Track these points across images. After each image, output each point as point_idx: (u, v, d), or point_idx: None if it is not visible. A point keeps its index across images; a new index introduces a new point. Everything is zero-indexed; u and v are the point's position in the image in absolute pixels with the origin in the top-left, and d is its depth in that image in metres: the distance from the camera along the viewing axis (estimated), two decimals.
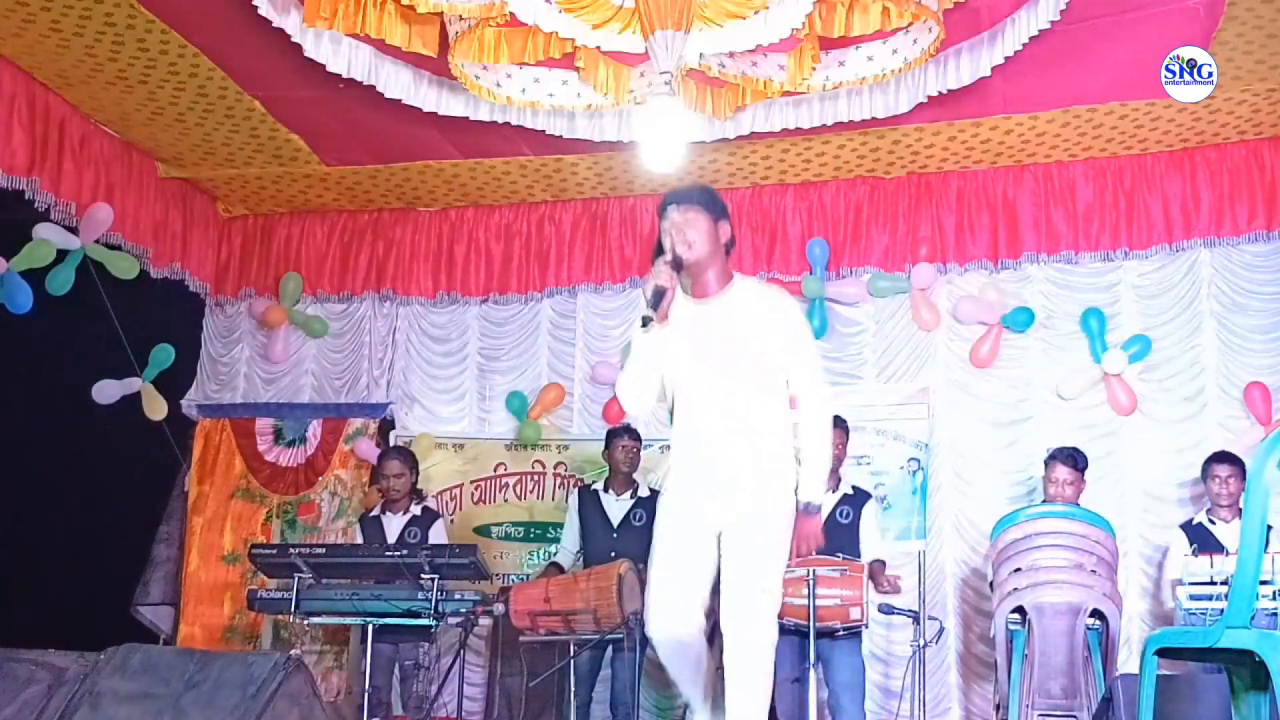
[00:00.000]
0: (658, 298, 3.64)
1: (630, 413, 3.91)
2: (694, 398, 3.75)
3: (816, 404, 3.81)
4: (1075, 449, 6.08)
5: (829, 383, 7.14)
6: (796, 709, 5.63)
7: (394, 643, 6.02)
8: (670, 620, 3.69)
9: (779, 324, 3.80)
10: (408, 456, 6.66)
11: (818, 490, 3.79)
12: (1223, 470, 5.96)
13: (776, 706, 5.76)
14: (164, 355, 7.47)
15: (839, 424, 6.08)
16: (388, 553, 5.83)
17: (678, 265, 3.71)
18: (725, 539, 3.70)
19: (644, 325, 3.64)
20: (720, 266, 3.86)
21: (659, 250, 3.80)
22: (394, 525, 6.46)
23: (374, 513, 6.62)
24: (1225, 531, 5.89)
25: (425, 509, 6.60)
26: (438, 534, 6.42)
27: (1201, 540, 5.84)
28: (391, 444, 7.48)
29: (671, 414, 3.84)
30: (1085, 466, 5.99)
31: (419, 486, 6.77)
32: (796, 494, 3.75)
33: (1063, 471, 5.90)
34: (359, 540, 6.57)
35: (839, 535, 5.85)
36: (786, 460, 3.76)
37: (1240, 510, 5.90)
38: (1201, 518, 6.06)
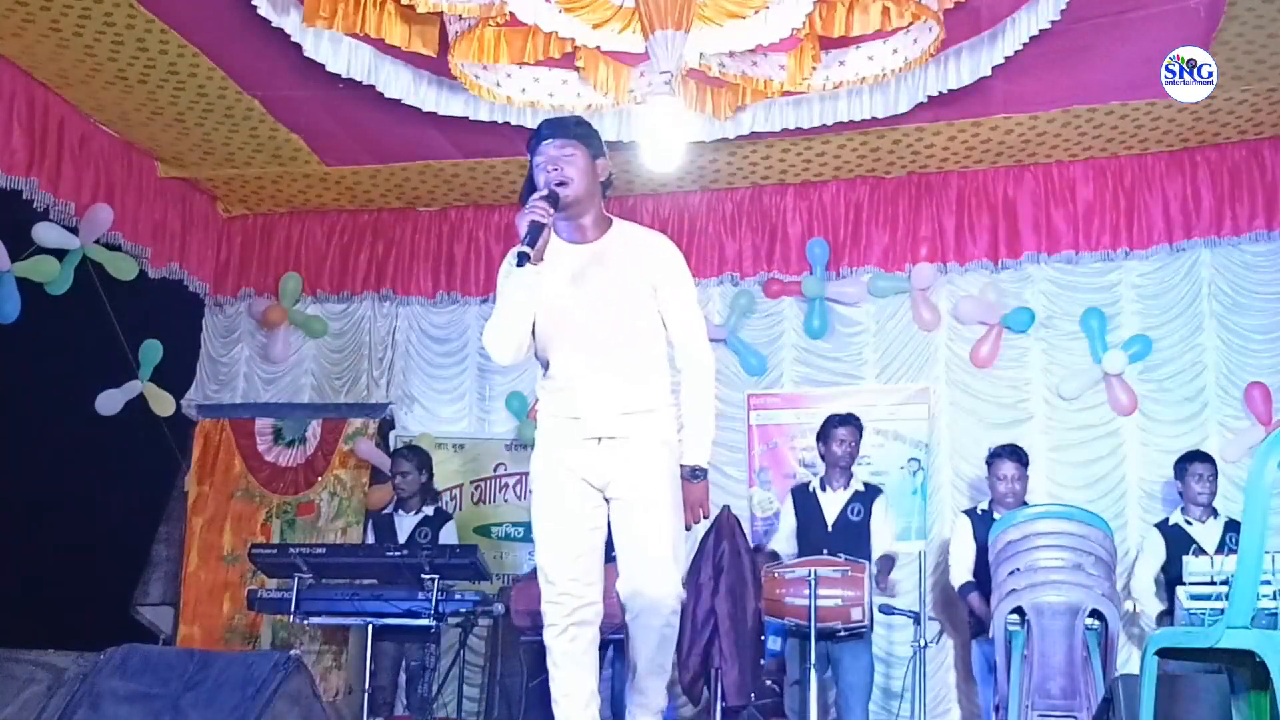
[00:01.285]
0: (534, 234, 3.27)
1: (500, 363, 3.63)
2: (570, 349, 3.46)
3: (698, 360, 3.53)
4: (1016, 445, 6.25)
5: (828, 386, 7.25)
6: (800, 708, 5.64)
7: (399, 642, 6.02)
8: (582, 604, 3.44)
9: (661, 273, 3.50)
10: (417, 455, 6.65)
11: (702, 453, 3.50)
12: (1204, 469, 6.00)
13: (785, 705, 5.78)
14: (153, 352, 7.46)
15: (853, 422, 6.14)
16: (390, 553, 5.83)
17: (554, 201, 3.36)
18: (618, 504, 3.45)
19: (520, 263, 3.26)
20: (598, 209, 3.53)
21: (529, 188, 3.47)
22: (405, 525, 6.45)
23: (387, 510, 6.61)
24: (1201, 531, 5.92)
25: (438, 510, 6.59)
26: (448, 536, 6.42)
27: (1177, 540, 5.85)
28: (392, 444, 7.48)
29: (545, 367, 3.56)
30: (1028, 462, 6.15)
31: (435, 488, 6.76)
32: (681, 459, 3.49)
33: (1009, 468, 6.05)
34: (370, 538, 6.55)
35: (850, 533, 5.89)
36: (670, 418, 3.51)
37: (1215, 510, 5.95)
38: (1177, 518, 6.08)
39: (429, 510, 6.53)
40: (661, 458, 3.45)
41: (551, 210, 3.35)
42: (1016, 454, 6.12)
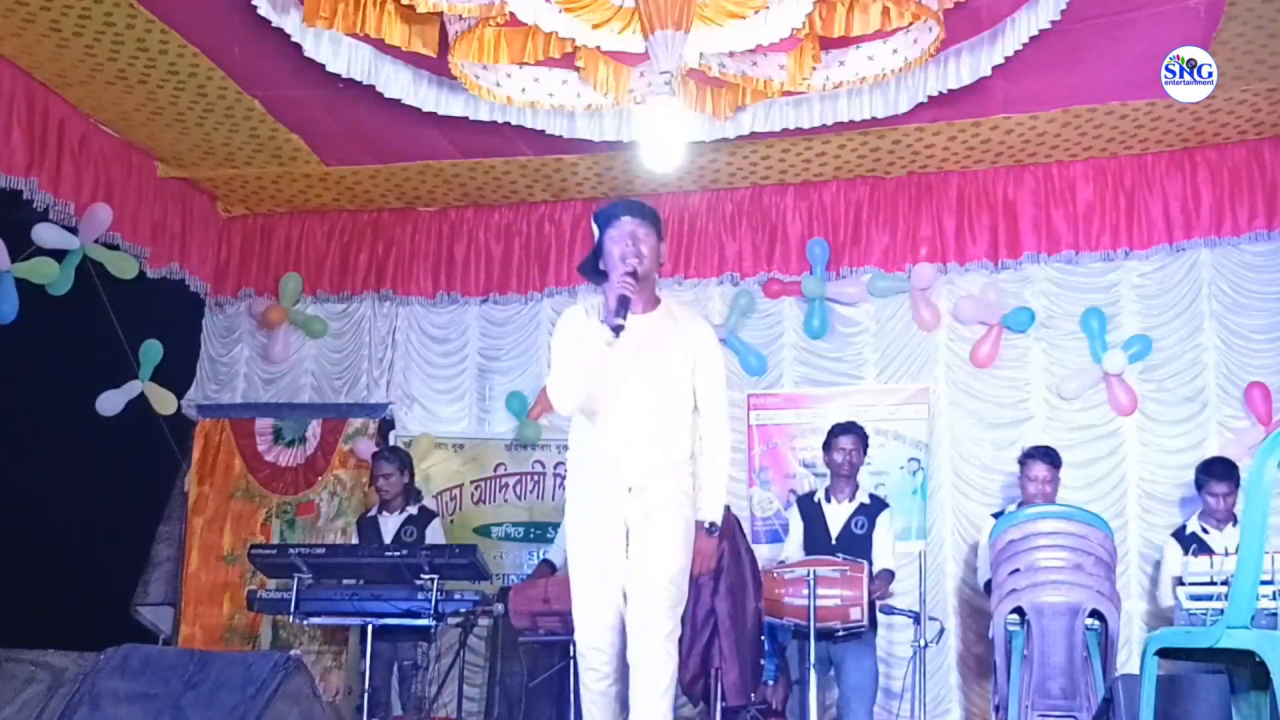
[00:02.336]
0: (624, 306, 3.74)
1: (562, 412, 4.04)
2: (614, 408, 3.88)
3: (719, 432, 4.00)
4: (1050, 447, 6.18)
5: (828, 386, 7.26)
6: (800, 709, 5.64)
7: (392, 642, 6.02)
8: (609, 629, 3.82)
9: (701, 356, 3.99)
10: (398, 456, 6.65)
11: (715, 512, 3.94)
12: (1220, 488, 5.92)
13: (784, 706, 5.78)
14: (154, 352, 7.46)
15: (857, 431, 6.13)
16: (386, 553, 5.83)
17: (635, 278, 3.81)
18: (636, 542, 3.83)
19: (616, 335, 3.74)
20: (652, 286, 4.02)
21: (594, 256, 3.96)
22: (390, 525, 6.45)
23: (371, 513, 6.61)
24: (1218, 539, 5.89)
25: (422, 508, 6.59)
26: (434, 533, 6.42)
27: (1194, 548, 5.84)
28: (390, 444, 7.48)
29: (590, 419, 3.95)
30: (1060, 464, 6.07)
31: (417, 486, 6.76)
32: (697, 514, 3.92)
33: (1041, 469, 5.99)
34: (356, 541, 6.56)
35: (853, 546, 5.87)
36: (689, 474, 3.93)
37: (1234, 518, 5.92)
38: (1194, 525, 6.04)
39: (412, 509, 6.53)
40: (682, 506, 3.89)
41: (637, 286, 3.81)
42: (1049, 455, 6.05)
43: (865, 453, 6.20)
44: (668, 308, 4.03)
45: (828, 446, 6.15)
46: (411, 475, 6.65)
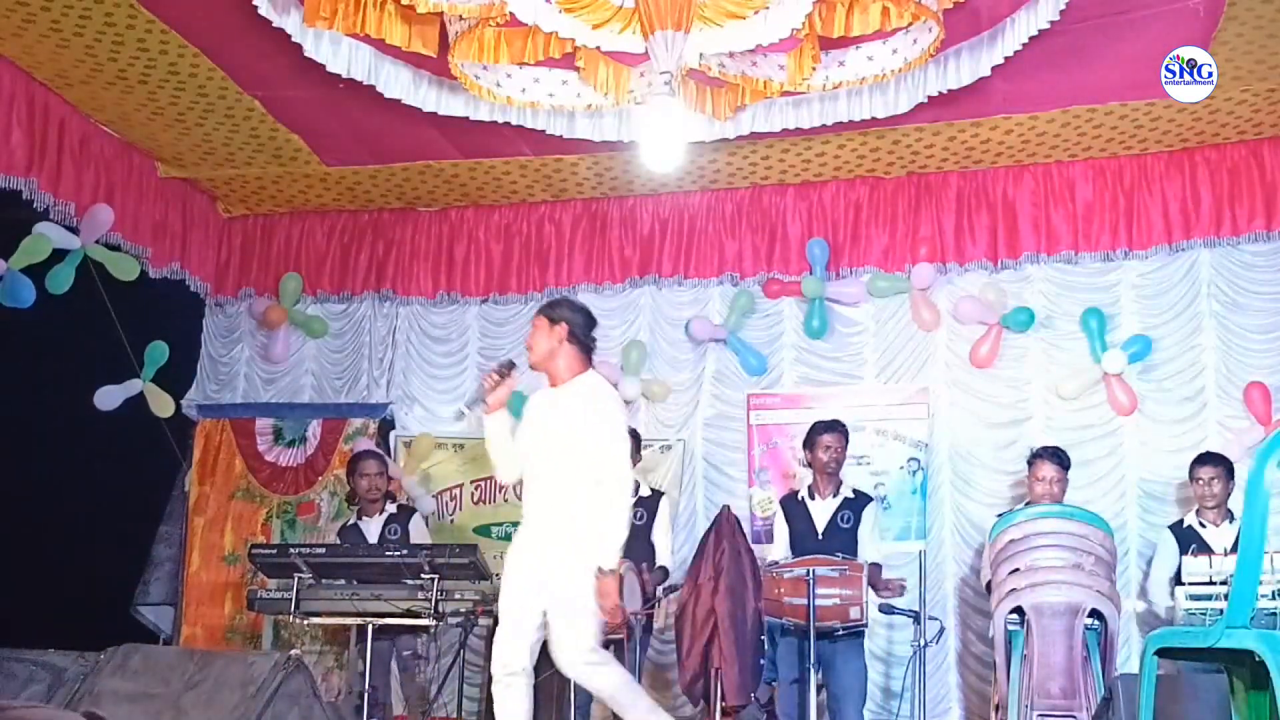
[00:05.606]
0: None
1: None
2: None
3: (614, 489, 4.35)
4: (1059, 448, 6.15)
5: (828, 386, 7.27)
6: (797, 709, 5.63)
7: (390, 638, 6.02)
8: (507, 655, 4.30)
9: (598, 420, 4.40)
10: (377, 457, 6.71)
11: (609, 559, 4.26)
12: (1206, 472, 5.98)
13: (777, 707, 5.78)
14: (159, 353, 7.46)
15: (839, 428, 6.13)
16: (387, 553, 5.83)
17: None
18: (548, 595, 4.29)
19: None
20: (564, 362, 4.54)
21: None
22: (373, 528, 6.45)
23: (351, 522, 6.59)
24: (1214, 534, 5.90)
25: (400, 506, 6.59)
26: (418, 528, 6.44)
27: (1190, 542, 5.84)
28: (392, 444, 7.48)
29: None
30: (1069, 465, 6.04)
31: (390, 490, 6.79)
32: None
33: (1049, 469, 5.96)
34: None
35: (839, 539, 5.88)
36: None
37: (1229, 512, 5.93)
38: (1191, 519, 6.06)
39: (391, 508, 6.54)
40: (584, 563, 4.33)
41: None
42: (1058, 456, 6.02)
43: (846, 449, 6.19)
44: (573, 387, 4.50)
45: (810, 444, 6.15)
46: (388, 476, 6.68)
